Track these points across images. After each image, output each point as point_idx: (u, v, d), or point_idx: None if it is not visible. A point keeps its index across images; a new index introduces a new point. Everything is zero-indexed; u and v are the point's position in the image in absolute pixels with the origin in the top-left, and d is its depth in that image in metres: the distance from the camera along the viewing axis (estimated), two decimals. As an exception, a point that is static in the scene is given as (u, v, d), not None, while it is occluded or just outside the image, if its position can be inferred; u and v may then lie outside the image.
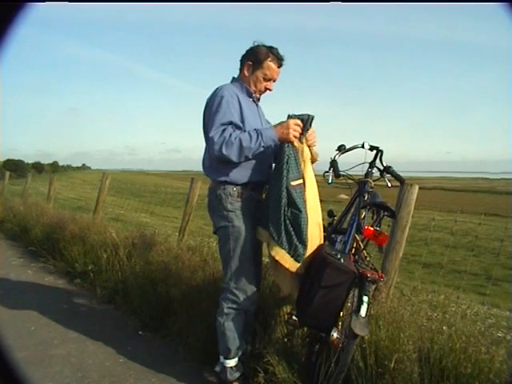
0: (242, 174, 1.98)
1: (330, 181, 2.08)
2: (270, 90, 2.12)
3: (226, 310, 2.00)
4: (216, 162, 1.96)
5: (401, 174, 2.17)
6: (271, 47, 2.04)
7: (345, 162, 2.13)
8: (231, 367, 2.02)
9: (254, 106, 2.10)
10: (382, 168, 2.13)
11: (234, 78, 2.13)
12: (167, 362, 2.40)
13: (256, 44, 2.06)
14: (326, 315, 1.75)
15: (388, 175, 2.14)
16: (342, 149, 2.12)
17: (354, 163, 2.15)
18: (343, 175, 2.11)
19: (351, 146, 2.14)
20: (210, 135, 1.86)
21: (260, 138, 1.85)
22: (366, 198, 1.99)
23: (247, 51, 2.07)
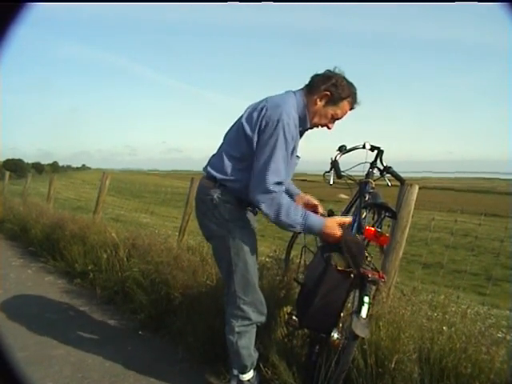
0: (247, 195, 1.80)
1: (331, 182, 2.08)
2: (329, 128, 1.89)
3: (237, 329, 1.88)
4: (232, 169, 1.81)
5: (402, 175, 2.17)
6: (353, 85, 1.83)
7: (345, 161, 2.13)
8: (248, 380, 1.97)
9: (298, 140, 1.85)
10: (382, 168, 2.13)
11: (293, 92, 1.84)
12: (167, 361, 2.40)
13: (337, 71, 1.82)
14: (327, 316, 1.75)
15: (388, 175, 2.14)
16: (342, 149, 2.12)
17: (355, 163, 2.15)
18: (344, 176, 2.11)
19: (352, 146, 2.14)
20: (260, 196, 1.69)
21: (306, 221, 1.69)
22: (366, 198, 1.99)
23: (328, 77, 1.80)
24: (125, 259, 3.50)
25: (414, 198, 2.27)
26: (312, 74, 1.86)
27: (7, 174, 10.89)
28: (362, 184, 2.10)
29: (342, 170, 2.10)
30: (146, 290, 2.99)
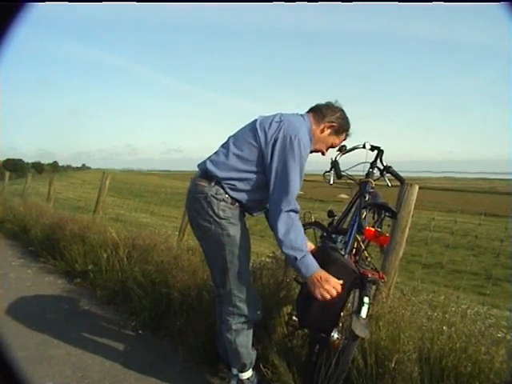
0: (246, 196, 1.87)
1: (331, 181, 2.08)
2: (323, 154, 2.02)
3: (234, 327, 1.90)
4: (236, 168, 1.84)
5: (402, 174, 2.18)
6: (348, 118, 2.00)
7: (345, 161, 2.13)
8: (248, 378, 1.99)
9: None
10: (382, 168, 2.13)
11: (302, 116, 1.94)
12: (167, 362, 2.40)
13: (337, 104, 1.98)
14: (326, 316, 1.75)
15: (388, 175, 2.14)
16: (342, 149, 2.12)
17: (355, 163, 2.15)
18: (344, 175, 2.11)
19: (352, 146, 2.14)
20: (282, 206, 1.73)
21: (306, 255, 1.71)
22: (367, 198, 1.99)
23: (334, 109, 1.96)
24: (125, 259, 3.50)
25: (414, 198, 2.27)
26: (316, 103, 1.99)
27: (7, 173, 10.88)
28: (362, 184, 2.10)
29: (342, 169, 2.11)
30: (146, 290, 2.99)
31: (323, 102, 1.99)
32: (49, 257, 4.46)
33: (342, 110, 1.99)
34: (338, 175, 2.08)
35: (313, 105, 2.01)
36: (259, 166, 1.83)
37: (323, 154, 2.01)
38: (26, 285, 3.79)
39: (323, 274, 1.68)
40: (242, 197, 1.87)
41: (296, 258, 1.69)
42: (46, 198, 7.32)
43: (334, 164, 2.09)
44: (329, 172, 2.12)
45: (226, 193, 1.85)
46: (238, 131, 1.97)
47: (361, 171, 2.14)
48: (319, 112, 1.95)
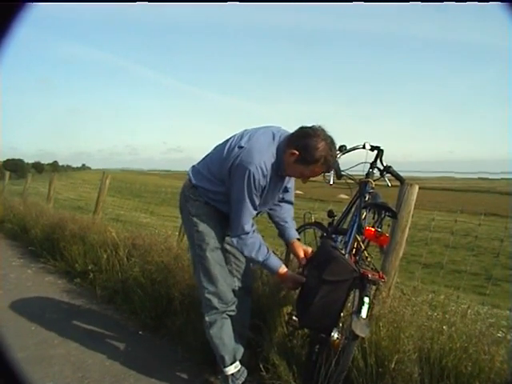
0: (219, 204, 1.99)
1: (331, 182, 2.08)
2: (303, 182, 1.96)
3: (207, 319, 2.01)
4: (205, 179, 1.97)
5: (402, 174, 2.18)
6: (331, 149, 1.80)
7: (345, 161, 2.13)
8: (232, 374, 2.01)
9: (279, 178, 1.95)
10: (382, 168, 2.13)
11: (280, 136, 1.87)
12: (167, 361, 2.40)
13: (321, 129, 1.81)
14: (326, 316, 1.75)
15: (388, 175, 2.14)
16: (342, 149, 2.12)
17: (355, 163, 2.15)
18: (344, 176, 2.11)
19: (352, 146, 2.14)
20: (233, 233, 1.92)
21: (265, 261, 1.93)
22: (367, 198, 1.99)
23: (306, 136, 1.78)
24: (125, 259, 3.50)
25: (414, 198, 2.27)
26: (300, 126, 1.87)
27: (7, 173, 10.86)
28: (362, 184, 2.10)
29: (342, 169, 2.11)
30: (146, 289, 2.99)
31: (307, 125, 1.84)
32: (49, 257, 4.47)
33: (320, 139, 1.77)
34: (338, 175, 2.08)
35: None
36: (225, 182, 1.92)
37: (303, 180, 1.94)
38: (26, 285, 3.80)
39: (285, 272, 1.94)
40: (216, 203, 1.99)
41: (260, 264, 1.99)
42: (46, 197, 7.30)
43: (334, 164, 2.09)
44: (329, 172, 2.11)
45: (201, 196, 1.99)
46: (220, 144, 2.03)
47: (361, 171, 2.14)
48: (290, 136, 1.85)
